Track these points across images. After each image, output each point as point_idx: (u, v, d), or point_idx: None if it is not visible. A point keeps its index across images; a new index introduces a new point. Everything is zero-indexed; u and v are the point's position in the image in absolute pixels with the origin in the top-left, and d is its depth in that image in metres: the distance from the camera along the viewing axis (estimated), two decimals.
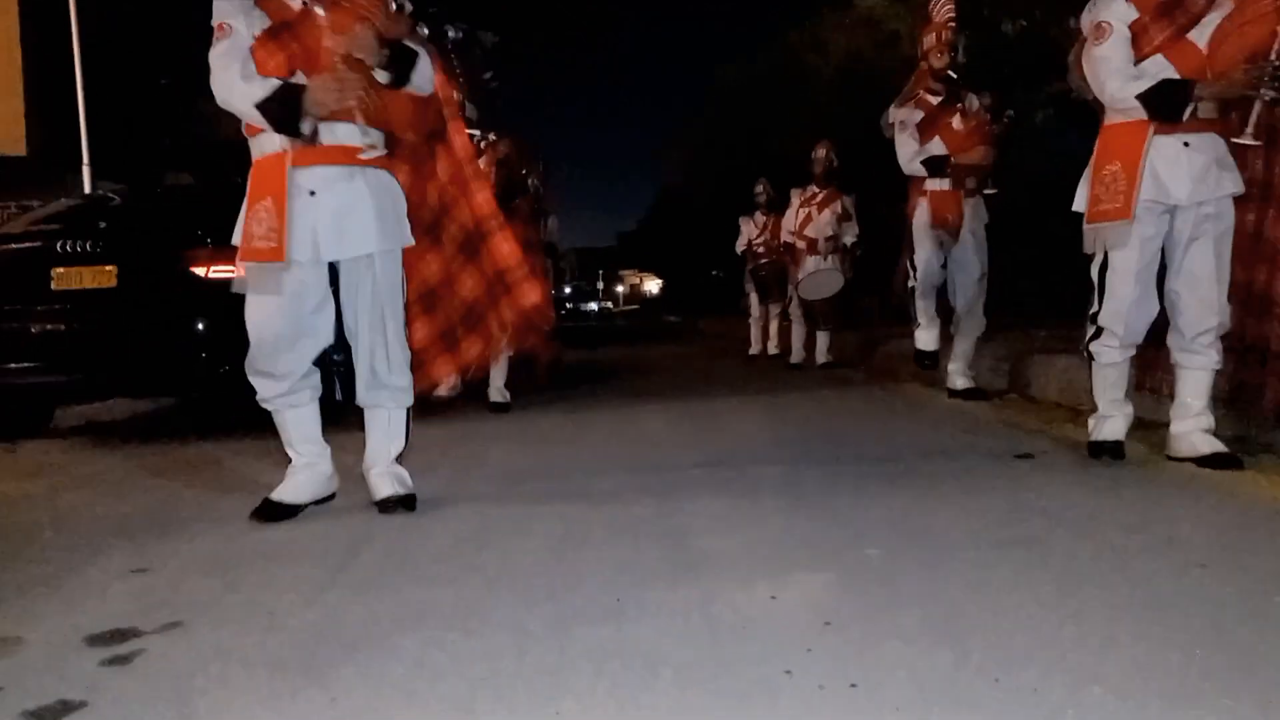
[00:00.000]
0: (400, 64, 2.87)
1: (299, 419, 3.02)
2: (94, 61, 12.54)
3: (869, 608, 1.96)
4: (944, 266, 5.38)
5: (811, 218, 8.23)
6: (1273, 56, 2.94)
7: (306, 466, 3.04)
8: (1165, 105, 3.11)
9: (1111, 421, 3.39)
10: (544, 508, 3.07)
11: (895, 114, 5.44)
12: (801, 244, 8.28)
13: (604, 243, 64.41)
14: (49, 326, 4.72)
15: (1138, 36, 3.16)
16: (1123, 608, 1.89)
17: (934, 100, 5.32)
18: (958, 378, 5.49)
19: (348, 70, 2.78)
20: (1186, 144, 3.13)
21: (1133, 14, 3.17)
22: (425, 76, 2.98)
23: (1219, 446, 3.22)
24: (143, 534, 2.88)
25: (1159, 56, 3.14)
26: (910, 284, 5.50)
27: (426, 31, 3.21)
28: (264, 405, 3.00)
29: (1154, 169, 3.15)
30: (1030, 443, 3.85)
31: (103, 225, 5.03)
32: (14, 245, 4.91)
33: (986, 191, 5.37)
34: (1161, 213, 3.20)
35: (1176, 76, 3.12)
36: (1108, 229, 3.23)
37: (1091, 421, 3.48)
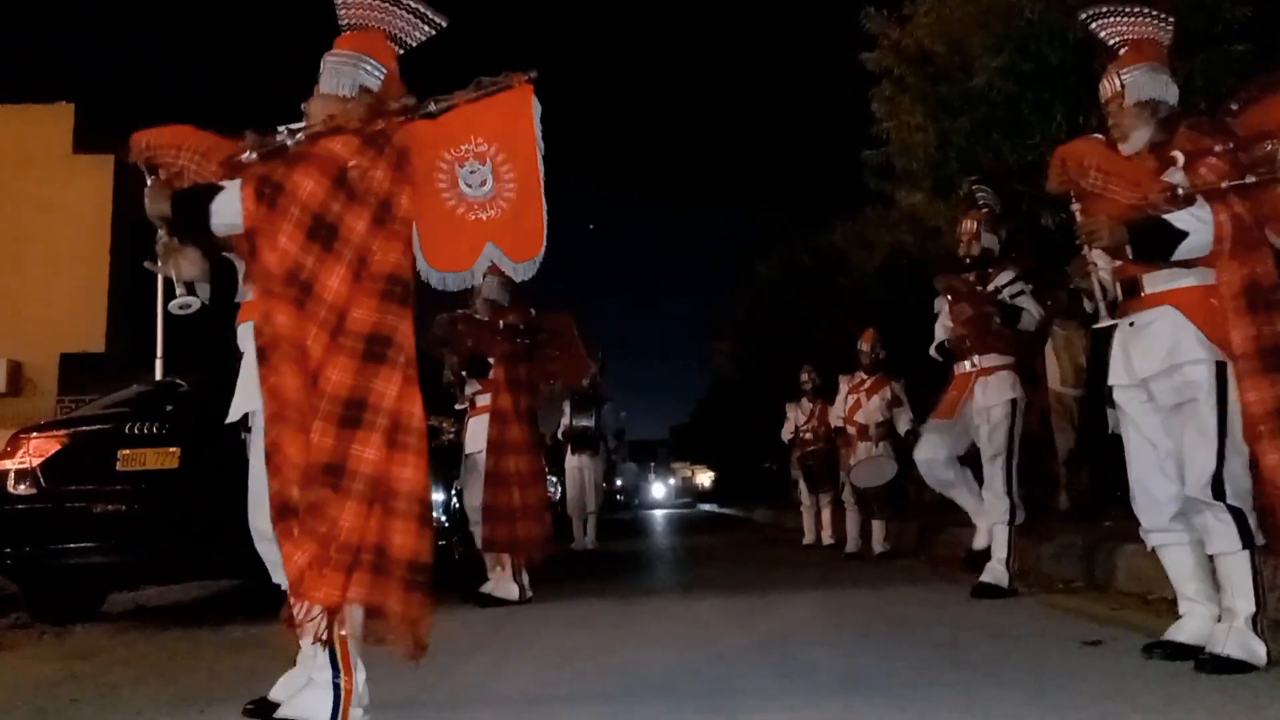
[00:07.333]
0: (179, 214, 2.55)
1: None
2: None
3: None
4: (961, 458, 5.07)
5: (861, 404, 8.23)
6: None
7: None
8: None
9: (1186, 620, 3.07)
10: (591, 687, 2.98)
11: (937, 303, 5.51)
12: (852, 430, 8.26)
13: (656, 434, 64.58)
14: (110, 507, 4.84)
15: None
16: None
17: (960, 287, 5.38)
18: (997, 567, 4.81)
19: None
20: (1131, 323, 3.11)
21: None
22: (224, 218, 2.48)
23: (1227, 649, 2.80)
24: (182, 711, 2.84)
25: None
26: None
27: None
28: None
29: (1113, 353, 3.19)
30: (1099, 630, 3.65)
31: (169, 409, 5.22)
32: (85, 428, 5.11)
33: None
34: (1134, 392, 3.13)
35: None
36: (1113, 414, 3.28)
37: None
